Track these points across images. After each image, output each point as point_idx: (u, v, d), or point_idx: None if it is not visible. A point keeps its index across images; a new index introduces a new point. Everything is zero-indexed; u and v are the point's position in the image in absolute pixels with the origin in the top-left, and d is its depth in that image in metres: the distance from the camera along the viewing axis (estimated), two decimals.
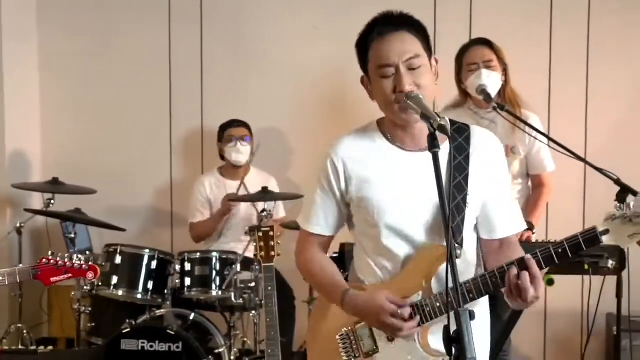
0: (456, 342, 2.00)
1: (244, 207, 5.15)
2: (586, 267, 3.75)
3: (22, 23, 5.79)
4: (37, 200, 5.57)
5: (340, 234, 2.68)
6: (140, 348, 4.35)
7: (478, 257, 2.55)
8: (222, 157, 5.32)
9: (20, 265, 4.67)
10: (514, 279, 2.27)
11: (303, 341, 4.97)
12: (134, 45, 5.81)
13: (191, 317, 4.66)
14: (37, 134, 5.94)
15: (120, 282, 4.64)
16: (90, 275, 3.30)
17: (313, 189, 2.58)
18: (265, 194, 4.82)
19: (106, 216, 5.33)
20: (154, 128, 5.84)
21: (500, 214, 2.52)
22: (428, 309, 2.38)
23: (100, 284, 4.64)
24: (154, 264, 4.69)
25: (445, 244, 2.37)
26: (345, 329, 2.52)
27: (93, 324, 4.81)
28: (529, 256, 2.30)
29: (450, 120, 2.49)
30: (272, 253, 4.08)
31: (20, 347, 5.00)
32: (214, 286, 4.66)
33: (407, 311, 2.37)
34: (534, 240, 4.03)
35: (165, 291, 4.73)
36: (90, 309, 4.79)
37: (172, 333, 4.37)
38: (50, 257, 3.21)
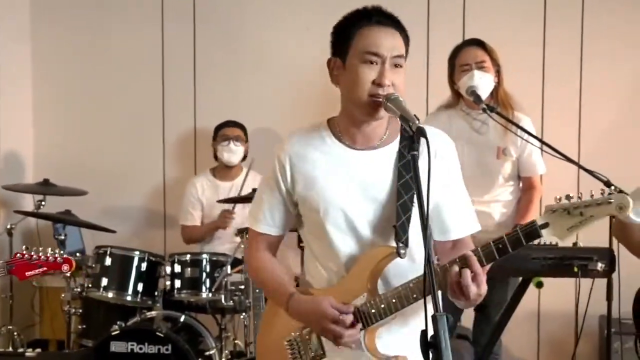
0: (433, 347, 1.97)
1: (238, 209, 5.12)
2: (575, 269, 3.71)
3: (15, 22, 5.78)
4: (30, 202, 5.54)
5: None
6: (129, 350, 4.33)
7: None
8: (216, 158, 5.30)
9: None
10: (455, 277, 2.23)
11: None
12: (127, 46, 5.80)
13: (181, 319, 4.64)
14: (29, 135, 5.93)
15: (110, 284, 4.62)
16: (65, 267, 3.31)
17: (260, 189, 2.56)
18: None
19: (99, 217, 5.33)
20: (147, 129, 5.82)
21: (453, 215, 2.49)
22: (373, 311, 2.35)
23: (90, 285, 4.63)
24: (144, 266, 4.67)
25: (390, 244, 2.37)
26: (293, 333, 2.48)
27: (84, 326, 4.79)
28: (469, 253, 2.26)
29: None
30: None
31: (9, 349, 4.97)
32: (204, 288, 4.64)
33: (349, 318, 2.33)
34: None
35: (156, 293, 4.70)
36: (80, 310, 4.78)
37: (162, 335, 4.34)
38: (24, 252, 3.20)
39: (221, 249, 4.98)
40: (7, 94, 5.64)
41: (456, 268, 2.24)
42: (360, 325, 2.35)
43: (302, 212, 2.51)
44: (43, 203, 5.14)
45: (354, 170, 2.41)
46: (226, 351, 4.75)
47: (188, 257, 4.71)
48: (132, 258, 4.67)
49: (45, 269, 3.22)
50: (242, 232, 4.30)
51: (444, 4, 5.42)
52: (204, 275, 4.63)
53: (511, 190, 4.32)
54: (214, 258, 4.71)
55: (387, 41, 2.33)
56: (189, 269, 4.67)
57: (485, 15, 5.34)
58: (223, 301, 4.57)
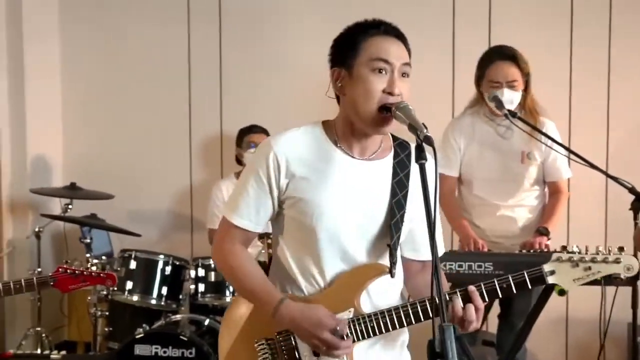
0: (440, 357, 1.96)
1: None
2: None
3: (44, 23, 5.83)
4: (58, 205, 5.60)
5: None
6: (153, 353, 4.35)
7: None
8: (239, 162, 5.31)
9: (38, 270, 4.76)
10: (459, 311, 2.25)
11: None
12: (153, 48, 5.83)
13: (206, 323, 4.66)
14: (59, 139, 5.98)
15: (135, 288, 4.68)
16: (108, 282, 3.34)
17: (245, 180, 2.40)
18: None
19: (126, 220, 5.38)
20: (174, 131, 5.84)
21: (426, 235, 2.37)
22: (359, 327, 2.33)
23: (115, 288, 4.66)
24: (168, 270, 4.72)
25: (380, 261, 2.36)
26: (265, 338, 2.41)
27: (110, 329, 4.85)
28: (472, 288, 2.27)
29: (392, 136, 2.44)
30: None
31: (36, 351, 5.03)
32: (227, 292, 4.68)
33: (345, 329, 2.30)
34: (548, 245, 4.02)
35: (180, 296, 4.75)
36: (107, 313, 4.84)
37: (185, 339, 4.36)
38: (66, 266, 3.23)
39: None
40: (37, 97, 5.70)
41: (459, 302, 2.26)
42: (351, 338, 2.32)
43: (288, 214, 2.39)
44: (70, 206, 5.19)
45: (353, 179, 2.36)
46: None
47: (211, 261, 4.71)
48: (157, 262, 4.73)
49: (88, 283, 3.26)
50: (263, 236, 4.29)
51: (469, 8, 5.37)
52: None
53: (536, 195, 4.28)
54: None
55: (397, 50, 2.32)
56: (213, 272, 4.71)
57: (511, 19, 5.28)
58: None
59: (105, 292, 4.71)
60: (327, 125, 2.45)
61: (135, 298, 4.68)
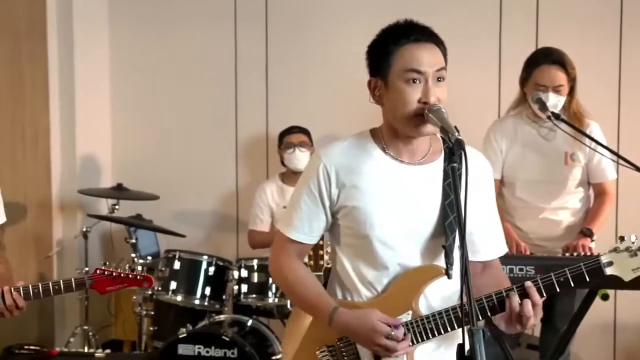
0: None
1: None
2: None
3: (93, 26, 5.88)
4: (105, 206, 5.67)
5: None
6: (196, 353, 4.39)
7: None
8: (284, 163, 5.33)
9: (86, 270, 4.83)
10: (516, 307, 2.24)
11: None
12: (200, 49, 5.86)
13: (249, 324, 4.68)
14: (108, 140, 6.05)
15: (179, 288, 4.72)
16: (145, 284, 3.38)
17: (298, 193, 2.47)
18: None
19: (172, 221, 5.42)
20: (220, 132, 5.87)
21: (486, 236, 2.47)
22: (419, 330, 2.34)
23: (160, 288, 4.73)
24: (211, 270, 4.75)
25: (437, 263, 2.37)
26: (326, 345, 2.44)
27: (155, 328, 4.89)
28: (529, 284, 2.26)
29: (443, 139, 2.43)
30: (321, 262, 4.06)
31: (81, 349, 5.10)
32: (270, 293, 4.69)
33: (401, 332, 2.31)
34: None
35: (224, 297, 4.78)
36: (152, 312, 4.90)
37: (228, 339, 4.39)
38: (104, 268, 3.28)
39: None
40: (86, 99, 5.77)
41: (516, 297, 2.26)
42: (409, 339, 2.33)
43: (342, 223, 2.44)
44: (117, 207, 5.26)
45: (402, 184, 2.38)
46: None
47: (255, 262, 4.76)
48: (200, 262, 4.76)
49: (125, 284, 3.30)
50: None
51: (516, 9, 5.31)
52: (270, 280, 4.66)
53: (580, 197, 4.23)
54: None
55: (428, 57, 2.30)
56: (256, 274, 4.72)
57: (558, 22, 5.20)
58: (289, 306, 4.60)
59: (150, 292, 4.77)
60: (374, 133, 2.47)
61: (179, 298, 4.72)
